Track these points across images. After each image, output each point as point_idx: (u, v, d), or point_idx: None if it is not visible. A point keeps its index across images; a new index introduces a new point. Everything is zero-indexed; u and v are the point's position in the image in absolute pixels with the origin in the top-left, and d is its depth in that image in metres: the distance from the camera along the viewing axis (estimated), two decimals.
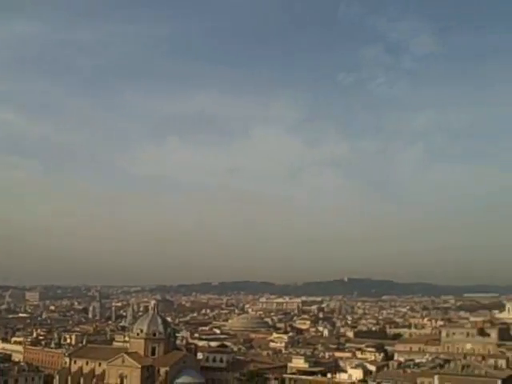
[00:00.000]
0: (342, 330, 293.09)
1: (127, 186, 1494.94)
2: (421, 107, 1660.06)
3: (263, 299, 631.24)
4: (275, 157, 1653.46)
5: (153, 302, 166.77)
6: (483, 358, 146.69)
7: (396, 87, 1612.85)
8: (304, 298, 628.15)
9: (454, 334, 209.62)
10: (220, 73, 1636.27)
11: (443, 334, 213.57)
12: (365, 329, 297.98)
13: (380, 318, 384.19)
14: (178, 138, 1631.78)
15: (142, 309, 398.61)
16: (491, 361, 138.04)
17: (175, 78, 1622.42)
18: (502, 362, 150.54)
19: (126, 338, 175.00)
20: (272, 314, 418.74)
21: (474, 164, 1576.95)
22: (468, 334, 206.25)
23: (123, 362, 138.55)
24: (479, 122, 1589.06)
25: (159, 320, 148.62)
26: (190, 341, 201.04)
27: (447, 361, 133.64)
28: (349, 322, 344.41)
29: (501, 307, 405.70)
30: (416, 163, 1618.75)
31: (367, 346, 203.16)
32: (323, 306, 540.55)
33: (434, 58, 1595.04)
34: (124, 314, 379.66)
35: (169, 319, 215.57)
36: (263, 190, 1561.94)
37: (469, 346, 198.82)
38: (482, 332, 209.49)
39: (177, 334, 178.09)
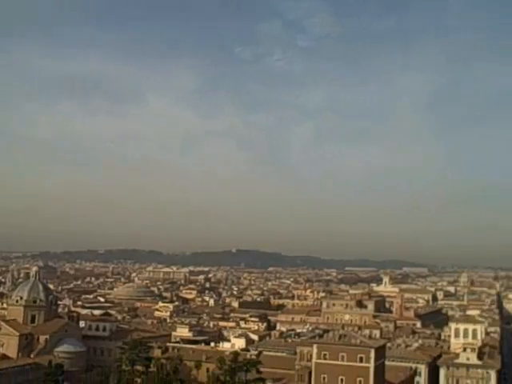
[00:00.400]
0: (227, 300, 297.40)
1: (12, 147, 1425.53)
2: (315, 86, 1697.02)
3: (150, 268, 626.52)
4: (169, 125, 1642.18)
5: (34, 269, 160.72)
6: (359, 328, 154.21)
7: (292, 64, 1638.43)
8: (192, 268, 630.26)
9: (334, 305, 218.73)
10: (116, 38, 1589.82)
11: (324, 305, 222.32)
12: (250, 299, 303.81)
13: (265, 289, 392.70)
14: (70, 102, 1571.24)
15: (22, 275, 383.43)
16: (367, 331, 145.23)
17: (69, 40, 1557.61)
18: (376, 332, 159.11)
19: (5, 305, 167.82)
20: (159, 283, 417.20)
21: (361, 144, 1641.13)
22: (347, 306, 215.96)
23: (0, 329, 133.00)
24: (369, 102, 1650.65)
25: (40, 287, 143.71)
26: (73, 309, 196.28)
27: (326, 331, 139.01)
28: (235, 293, 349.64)
29: (378, 281, 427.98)
30: (307, 140, 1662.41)
31: (251, 316, 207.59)
32: (210, 276, 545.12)
33: (330, 38, 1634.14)
34: (3, 280, 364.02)
35: (51, 287, 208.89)
36: (155, 158, 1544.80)
37: (347, 316, 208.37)
38: (360, 304, 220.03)
39: (59, 302, 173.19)
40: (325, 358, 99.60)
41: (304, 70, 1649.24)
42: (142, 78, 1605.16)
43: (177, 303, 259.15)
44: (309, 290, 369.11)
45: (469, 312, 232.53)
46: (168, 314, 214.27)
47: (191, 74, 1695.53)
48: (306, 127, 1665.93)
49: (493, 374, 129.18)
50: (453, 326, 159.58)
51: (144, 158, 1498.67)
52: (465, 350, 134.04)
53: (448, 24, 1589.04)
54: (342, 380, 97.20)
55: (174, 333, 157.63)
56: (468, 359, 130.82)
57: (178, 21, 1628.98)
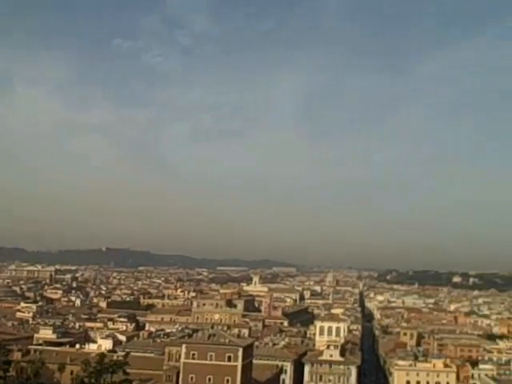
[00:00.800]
0: (95, 300, 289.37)
1: None
2: (192, 84, 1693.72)
3: (13, 267, 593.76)
4: (38, 117, 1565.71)
5: None
6: (229, 327, 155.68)
7: (170, 61, 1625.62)
8: (58, 267, 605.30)
9: (204, 304, 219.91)
10: None
11: (194, 304, 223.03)
12: (119, 299, 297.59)
13: (135, 288, 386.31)
14: None
15: None
16: (236, 330, 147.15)
17: None
18: (245, 331, 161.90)
19: None
20: (21, 282, 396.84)
21: (236, 143, 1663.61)
22: (217, 305, 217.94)
23: None
24: (246, 103, 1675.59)
25: None
26: None
27: (196, 330, 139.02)
28: (103, 292, 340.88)
29: (249, 280, 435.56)
30: (183, 139, 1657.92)
31: (119, 317, 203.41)
32: (78, 275, 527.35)
33: (210, 37, 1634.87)
34: None
35: None
36: (23, 149, 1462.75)
37: (217, 316, 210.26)
38: (230, 303, 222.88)
39: None
40: (193, 358, 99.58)
41: (182, 68, 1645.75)
42: (13, 69, 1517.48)
43: (41, 303, 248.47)
44: (179, 290, 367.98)
45: (333, 310, 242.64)
46: (31, 314, 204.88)
47: (64, 65, 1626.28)
48: (183, 125, 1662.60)
49: (353, 370, 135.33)
50: (318, 324, 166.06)
51: (9, 150, 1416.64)
52: (328, 347, 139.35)
53: (327, 29, 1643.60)
54: (209, 379, 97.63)
55: (36, 335, 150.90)
56: (331, 356, 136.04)
57: (56, 11, 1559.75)
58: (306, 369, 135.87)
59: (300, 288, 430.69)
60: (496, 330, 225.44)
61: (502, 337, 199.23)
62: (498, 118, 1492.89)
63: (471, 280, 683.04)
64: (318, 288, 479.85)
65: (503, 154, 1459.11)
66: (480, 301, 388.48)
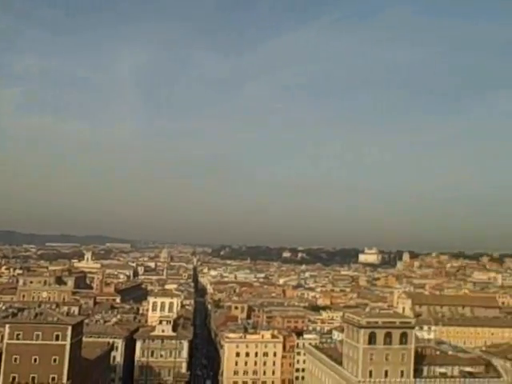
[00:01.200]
0: None
1: None
2: (24, 50, 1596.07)
3: None
4: None
5: None
6: (58, 305, 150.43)
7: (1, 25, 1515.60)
8: None
9: (31, 282, 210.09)
10: None
11: (20, 282, 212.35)
12: None
13: None
14: None
15: None
16: (65, 308, 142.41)
17: None
18: (75, 309, 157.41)
19: None
20: None
21: (70, 112, 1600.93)
22: (45, 283, 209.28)
23: None
24: (81, 73, 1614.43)
25: None
26: None
27: (21, 309, 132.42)
28: None
29: (81, 256, 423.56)
30: (13, 106, 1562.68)
31: None
32: None
33: (46, 3, 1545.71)
34: None
35: None
36: None
37: (45, 294, 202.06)
38: (60, 280, 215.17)
39: None
40: (18, 339, 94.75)
41: (14, 32, 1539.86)
42: None
43: None
44: (4, 267, 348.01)
45: (167, 286, 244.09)
46: None
47: None
48: (14, 93, 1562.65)
49: (185, 344, 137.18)
50: (151, 300, 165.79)
51: None
52: (161, 322, 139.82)
53: (169, 3, 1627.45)
54: (35, 360, 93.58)
55: None
56: (163, 331, 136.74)
57: None
58: (138, 345, 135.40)
59: (134, 264, 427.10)
60: (320, 302, 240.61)
61: (325, 308, 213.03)
62: (333, 100, 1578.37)
63: (300, 255, 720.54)
64: (152, 264, 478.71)
65: (338, 135, 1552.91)
66: (307, 274, 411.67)
